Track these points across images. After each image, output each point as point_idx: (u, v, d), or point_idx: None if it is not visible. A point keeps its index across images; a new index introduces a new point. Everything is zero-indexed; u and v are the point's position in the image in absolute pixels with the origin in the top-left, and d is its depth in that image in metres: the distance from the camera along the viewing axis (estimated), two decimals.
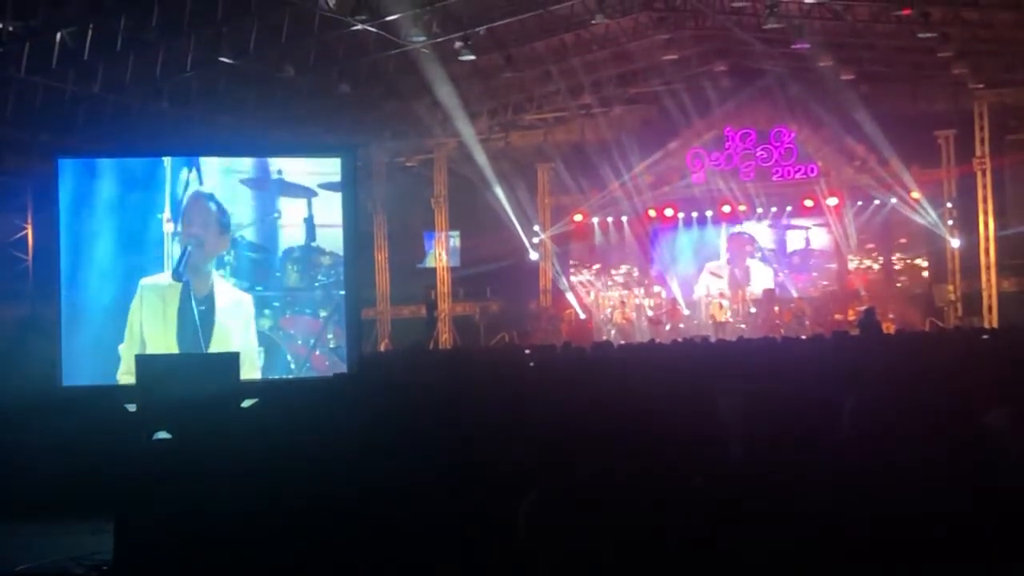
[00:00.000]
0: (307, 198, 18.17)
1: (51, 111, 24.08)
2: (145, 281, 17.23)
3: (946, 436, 4.03)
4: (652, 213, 36.41)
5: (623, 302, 36.26)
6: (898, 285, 35.17)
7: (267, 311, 17.77)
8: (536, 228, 36.91)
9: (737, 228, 36.02)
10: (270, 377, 17.41)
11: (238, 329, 17.55)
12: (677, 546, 3.24)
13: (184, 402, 9.68)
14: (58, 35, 22.19)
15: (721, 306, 34.43)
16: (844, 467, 4.13)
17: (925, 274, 35.07)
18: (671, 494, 3.46)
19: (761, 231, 35.95)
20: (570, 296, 37.10)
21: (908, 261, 35.46)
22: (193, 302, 17.26)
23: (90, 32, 22.45)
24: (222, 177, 17.94)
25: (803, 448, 4.18)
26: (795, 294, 35.12)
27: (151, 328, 17.24)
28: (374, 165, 35.33)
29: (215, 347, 17.06)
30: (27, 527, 9.14)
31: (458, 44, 26.10)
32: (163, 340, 17.17)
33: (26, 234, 26.30)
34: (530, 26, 28.27)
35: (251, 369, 17.46)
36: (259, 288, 17.79)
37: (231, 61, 24.44)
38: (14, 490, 9.33)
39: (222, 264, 17.58)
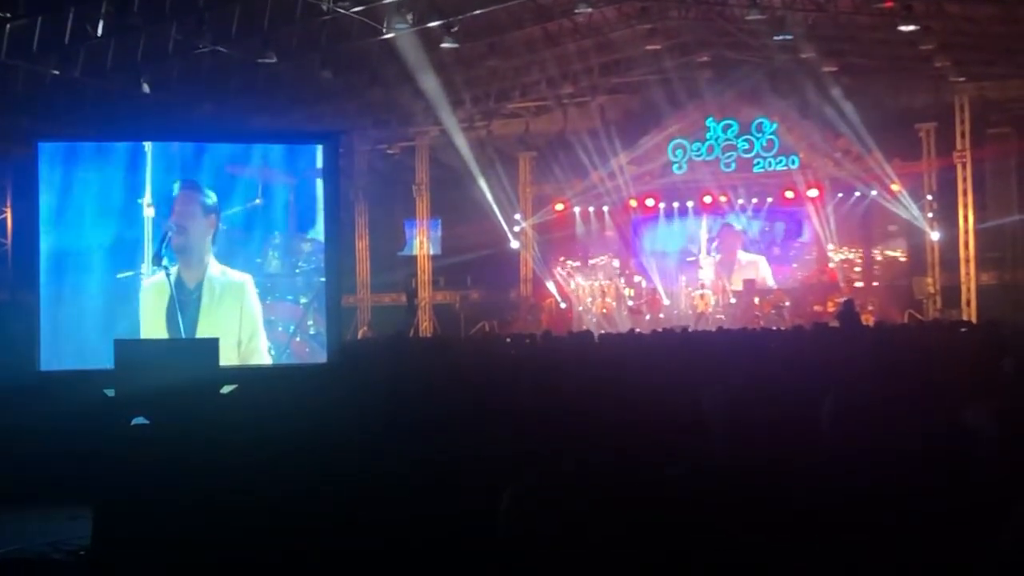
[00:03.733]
0: (289, 184, 18.11)
1: (32, 95, 23.99)
2: (145, 276, 17.15)
3: (924, 428, 4.05)
4: (633, 203, 36.42)
5: (603, 291, 36.22)
6: (875, 281, 35.22)
7: (258, 297, 17.71)
8: (517, 217, 36.90)
9: (727, 220, 36.02)
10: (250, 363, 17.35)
11: (238, 313, 17.47)
12: (659, 537, 3.25)
13: (163, 388, 9.65)
14: (39, 19, 22.10)
15: (704, 296, 34.43)
16: (823, 458, 4.15)
17: (905, 267, 35.11)
18: (651, 484, 3.46)
19: (744, 222, 35.98)
20: (550, 285, 37.09)
21: (888, 253, 35.54)
22: (186, 290, 17.18)
23: (71, 16, 22.37)
24: (203, 162, 17.85)
25: (782, 439, 4.19)
26: (774, 285, 35.17)
27: (152, 319, 17.15)
28: (356, 153, 35.28)
29: (213, 333, 16.99)
30: (4, 513, 9.12)
31: (441, 32, 26.09)
32: (159, 330, 17.08)
33: (5, 218, 26.23)
34: (514, 14, 28.26)
35: (259, 354, 17.40)
36: (248, 274, 17.72)
37: (213, 47, 24.39)
38: None
39: (208, 250, 17.50)
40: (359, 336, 34.69)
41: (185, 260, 17.24)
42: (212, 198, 17.43)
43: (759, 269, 35.76)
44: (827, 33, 29.66)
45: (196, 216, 17.38)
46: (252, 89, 27.84)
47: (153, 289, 17.12)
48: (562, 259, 37.67)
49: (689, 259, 36.24)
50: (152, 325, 17.09)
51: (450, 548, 4.31)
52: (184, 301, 17.16)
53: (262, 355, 17.46)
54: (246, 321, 17.49)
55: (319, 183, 18.09)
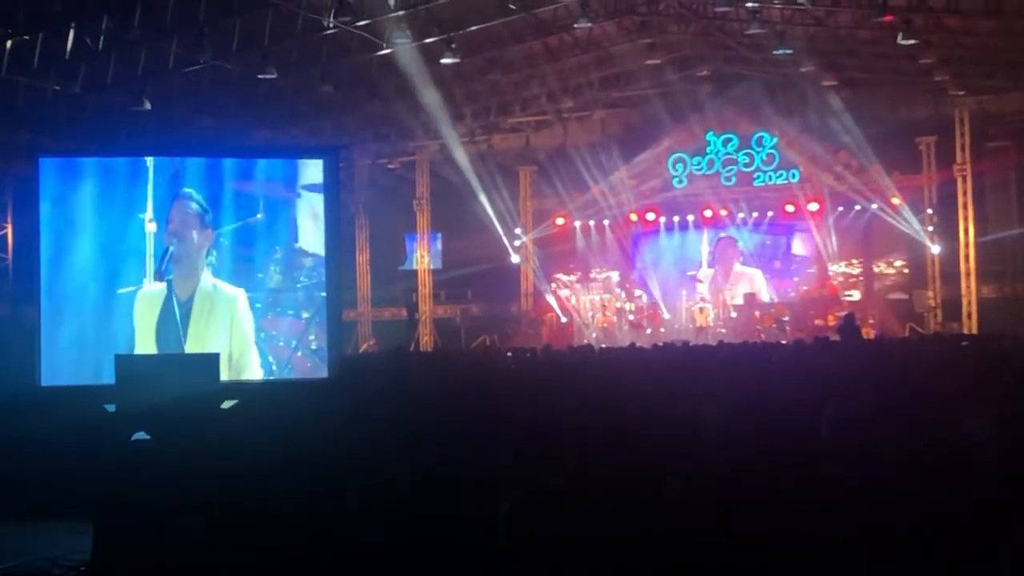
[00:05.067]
0: (290, 199, 18.14)
1: (32, 110, 24.03)
2: (142, 286, 17.17)
3: (925, 441, 4.05)
4: (634, 217, 36.44)
5: (604, 305, 36.22)
6: (879, 291, 35.22)
7: (250, 312, 17.72)
8: (518, 231, 36.90)
9: (724, 233, 36.06)
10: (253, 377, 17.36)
11: (227, 327, 17.47)
12: (658, 546, 3.25)
13: (163, 403, 9.64)
14: (40, 34, 22.14)
15: (703, 310, 34.43)
16: (823, 471, 4.15)
17: (905, 280, 35.10)
18: (650, 494, 3.47)
19: (743, 236, 35.99)
20: (551, 299, 37.09)
21: (888, 267, 35.52)
22: (176, 303, 17.20)
23: (72, 32, 22.42)
24: (204, 177, 17.89)
25: (782, 452, 4.19)
26: (775, 299, 35.15)
27: (142, 330, 17.18)
28: (356, 167, 35.31)
29: (199, 347, 17.00)
30: (4, 527, 9.11)
31: (441, 46, 26.11)
32: (149, 342, 17.11)
33: (6, 233, 26.25)
34: (513, 29, 28.29)
35: (250, 369, 17.40)
36: (243, 289, 17.74)
37: (213, 62, 24.41)
38: None
39: (207, 264, 17.51)
40: (365, 350, 34.67)
41: (178, 272, 17.26)
42: (209, 211, 17.46)
43: (754, 282, 35.76)
44: (827, 47, 29.69)
45: (192, 228, 17.41)
46: (252, 104, 27.88)
47: (145, 300, 17.15)
48: (562, 274, 37.68)
49: (689, 273, 36.23)
50: (142, 336, 17.12)
51: (451, 556, 4.31)
52: (174, 313, 17.18)
53: (253, 370, 17.46)
54: (236, 336, 17.49)
55: (320, 197, 18.12)
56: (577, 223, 37.06)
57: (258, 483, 5.29)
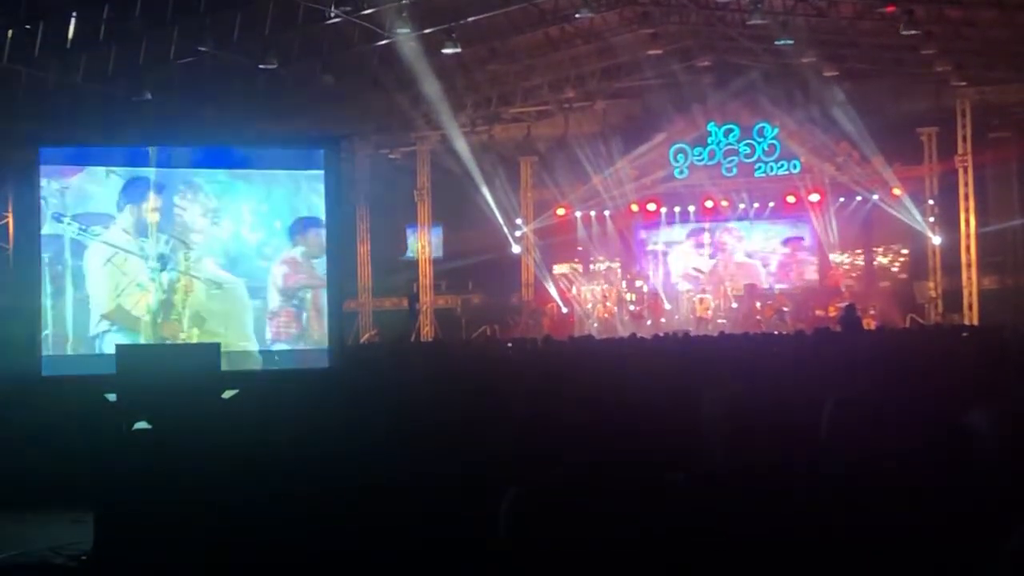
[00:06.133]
0: (292, 189, 18.12)
1: (33, 100, 24.01)
2: (144, 275, 17.16)
3: (925, 433, 4.05)
4: (635, 208, 36.44)
5: (605, 296, 36.23)
6: (880, 282, 35.22)
7: (252, 301, 17.71)
8: (519, 221, 36.89)
9: (725, 223, 36.06)
10: (253, 368, 17.34)
11: (229, 317, 17.47)
12: (658, 542, 3.25)
13: (164, 392, 9.64)
14: (40, 24, 22.13)
15: (703, 301, 34.44)
16: (824, 464, 4.15)
17: (906, 271, 35.12)
18: (650, 489, 3.47)
19: (744, 226, 36.01)
20: (552, 290, 37.09)
21: (889, 258, 35.53)
22: (178, 292, 17.19)
23: (73, 21, 22.40)
24: (207, 167, 17.88)
25: (782, 444, 4.19)
26: (776, 290, 35.15)
27: (143, 320, 17.17)
28: (357, 157, 35.28)
29: (201, 336, 17.00)
30: (6, 517, 9.12)
31: (442, 36, 26.10)
32: (150, 331, 17.11)
33: (7, 223, 26.23)
34: (514, 19, 28.28)
35: (251, 359, 17.41)
36: (244, 279, 17.73)
37: (214, 52, 24.40)
38: None
39: (210, 253, 17.50)
40: (366, 340, 34.66)
41: (182, 263, 17.25)
42: (212, 201, 17.45)
43: (755, 273, 35.77)
44: (828, 38, 29.69)
45: (194, 217, 17.39)
46: (254, 94, 27.85)
47: (147, 289, 17.14)
48: (563, 263, 37.68)
49: (691, 265, 36.24)
50: (144, 326, 17.12)
51: (451, 550, 4.31)
52: (176, 303, 17.18)
53: (254, 360, 17.45)
54: (236, 326, 17.48)
55: (321, 188, 18.11)
56: (578, 213, 37.03)
57: (258, 473, 5.30)
